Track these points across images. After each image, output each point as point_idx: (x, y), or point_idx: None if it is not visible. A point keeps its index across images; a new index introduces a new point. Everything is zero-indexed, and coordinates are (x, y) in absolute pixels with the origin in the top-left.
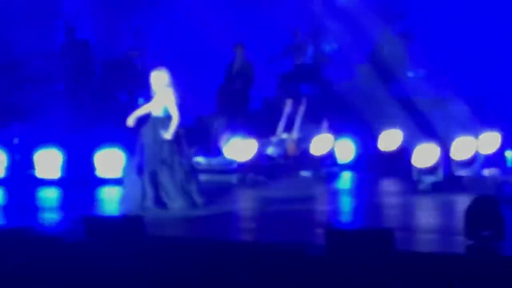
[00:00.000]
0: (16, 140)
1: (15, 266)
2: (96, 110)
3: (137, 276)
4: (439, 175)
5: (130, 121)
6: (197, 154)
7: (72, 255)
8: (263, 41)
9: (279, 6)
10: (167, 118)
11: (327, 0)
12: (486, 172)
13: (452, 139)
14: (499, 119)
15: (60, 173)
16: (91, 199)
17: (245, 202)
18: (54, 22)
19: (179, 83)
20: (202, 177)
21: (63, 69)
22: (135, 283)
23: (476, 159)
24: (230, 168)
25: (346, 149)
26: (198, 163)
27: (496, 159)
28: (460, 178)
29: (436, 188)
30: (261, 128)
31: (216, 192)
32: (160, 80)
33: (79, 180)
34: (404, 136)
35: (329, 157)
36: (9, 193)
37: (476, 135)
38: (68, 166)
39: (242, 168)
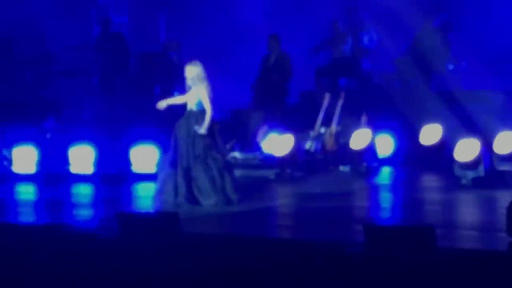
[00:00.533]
0: (48, 136)
1: (49, 263)
2: (131, 104)
3: (170, 273)
4: (481, 170)
5: (163, 104)
6: (234, 149)
7: (106, 251)
8: (301, 34)
9: None
10: (202, 112)
11: None
12: None
13: (493, 133)
14: None
15: (93, 169)
16: (125, 195)
17: (282, 198)
18: (88, 15)
19: (214, 76)
20: (239, 173)
21: (98, 62)
22: (168, 279)
23: None
24: (268, 163)
25: (385, 144)
26: (234, 158)
27: None
28: (502, 172)
29: (477, 183)
30: (299, 122)
31: (253, 188)
32: (194, 73)
33: (113, 176)
34: (445, 130)
35: (369, 152)
36: (42, 189)
37: None
38: (102, 161)
39: (280, 163)
